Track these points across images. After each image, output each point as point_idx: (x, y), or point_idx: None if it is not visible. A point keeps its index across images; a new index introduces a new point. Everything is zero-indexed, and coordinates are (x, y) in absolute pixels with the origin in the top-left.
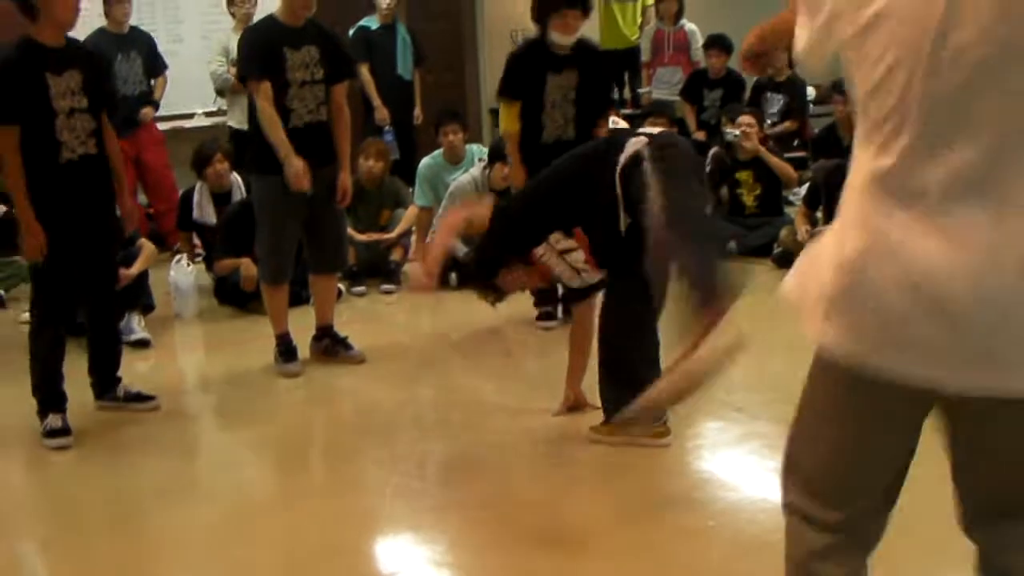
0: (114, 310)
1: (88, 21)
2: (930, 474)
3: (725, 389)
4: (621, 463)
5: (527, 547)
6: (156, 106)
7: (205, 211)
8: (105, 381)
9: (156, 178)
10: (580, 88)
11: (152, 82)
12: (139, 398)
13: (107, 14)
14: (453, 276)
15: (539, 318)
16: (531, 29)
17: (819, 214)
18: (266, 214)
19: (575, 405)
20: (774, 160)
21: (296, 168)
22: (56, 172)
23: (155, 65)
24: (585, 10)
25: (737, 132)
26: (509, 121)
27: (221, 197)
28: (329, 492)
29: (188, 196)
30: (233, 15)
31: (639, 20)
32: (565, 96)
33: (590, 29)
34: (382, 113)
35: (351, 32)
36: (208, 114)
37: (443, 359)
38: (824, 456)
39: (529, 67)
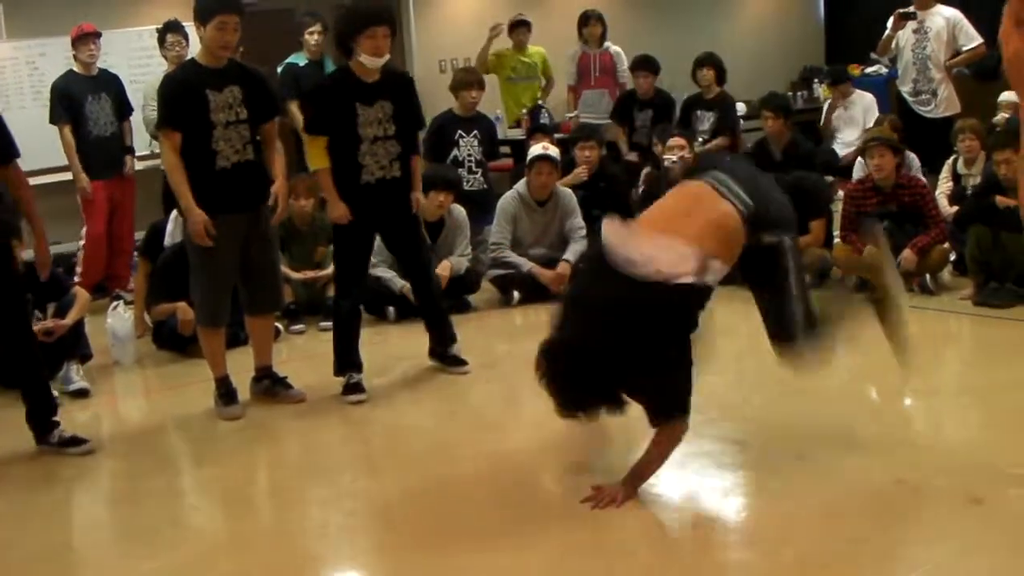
0: (33, 359)
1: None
2: None
3: None
4: (569, 491)
5: None
6: (132, 152)
7: (176, 240)
8: (41, 428)
9: (128, 222)
10: (397, 119)
11: (121, 124)
12: (74, 442)
13: (75, 56)
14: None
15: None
16: (461, 58)
17: None
18: (200, 258)
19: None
20: None
21: (196, 221)
22: None
23: (124, 107)
24: (392, 27)
25: (674, 159)
26: (317, 158)
27: None
28: (274, 534)
29: (160, 225)
30: (165, 58)
31: (535, 100)
32: (385, 131)
33: (492, 104)
34: None
35: (279, 70)
36: (142, 158)
37: (386, 396)
38: None
39: (336, 99)
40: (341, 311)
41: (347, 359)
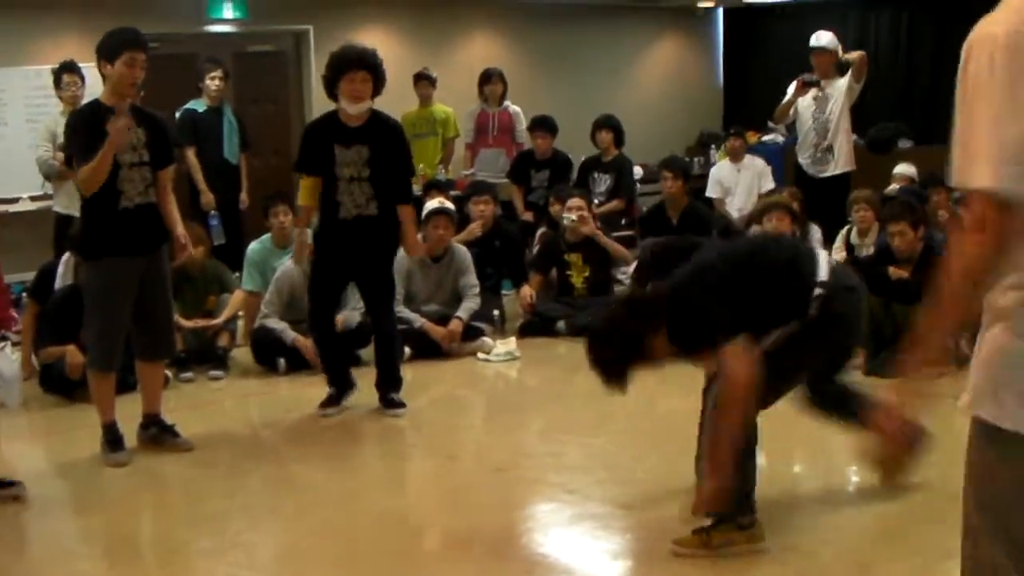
0: None
1: None
2: None
3: (555, 470)
4: (456, 551)
5: None
6: None
7: (67, 282)
8: None
9: None
10: (372, 164)
11: None
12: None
13: None
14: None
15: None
16: None
17: None
18: (97, 299)
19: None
20: (609, 243)
21: (118, 121)
22: None
23: None
24: (374, 73)
25: (574, 217)
26: (303, 196)
27: None
28: None
29: (51, 267)
30: (60, 98)
31: (439, 155)
32: (359, 173)
33: None
34: (207, 197)
35: (178, 115)
36: (34, 199)
37: (273, 446)
38: None
39: (318, 141)
40: (318, 343)
41: (334, 377)
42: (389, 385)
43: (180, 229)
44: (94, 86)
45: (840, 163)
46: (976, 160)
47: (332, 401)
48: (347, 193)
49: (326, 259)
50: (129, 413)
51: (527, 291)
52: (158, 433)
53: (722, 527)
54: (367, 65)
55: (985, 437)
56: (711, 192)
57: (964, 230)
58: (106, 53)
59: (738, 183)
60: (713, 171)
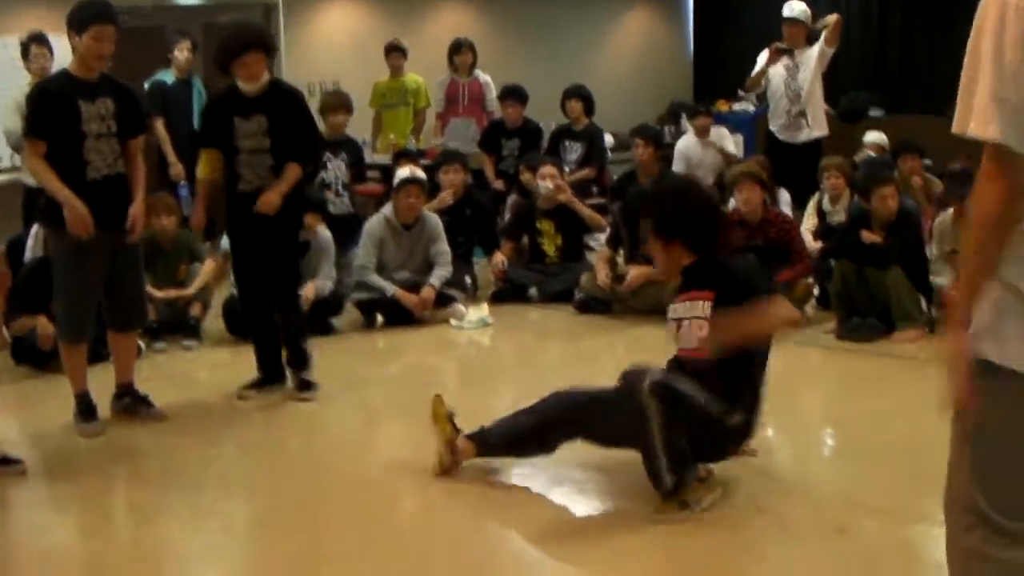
0: None
1: None
2: None
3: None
4: (430, 516)
5: None
6: None
7: (36, 254)
8: None
9: None
10: (272, 133)
11: None
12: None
13: None
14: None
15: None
16: (331, 81)
17: (620, 257)
18: (64, 270)
19: None
20: (584, 210)
21: (78, 211)
22: None
23: None
24: (267, 51)
25: (549, 185)
26: (203, 168)
27: None
28: (135, 555)
29: (20, 240)
30: (28, 70)
31: (411, 125)
32: (260, 144)
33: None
34: (177, 168)
35: (147, 86)
36: (2, 170)
37: (246, 415)
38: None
39: (219, 113)
40: (249, 325)
41: (264, 367)
42: (298, 366)
43: (136, 208)
44: (64, 57)
45: (813, 129)
46: (984, 113)
47: (255, 385)
48: (247, 166)
49: (235, 236)
50: (102, 384)
51: (499, 258)
52: (131, 403)
53: (686, 489)
54: (261, 45)
55: (980, 376)
56: (677, 166)
57: (980, 183)
58: (75, 24)
59: (704, 158)
60: (679, 145)
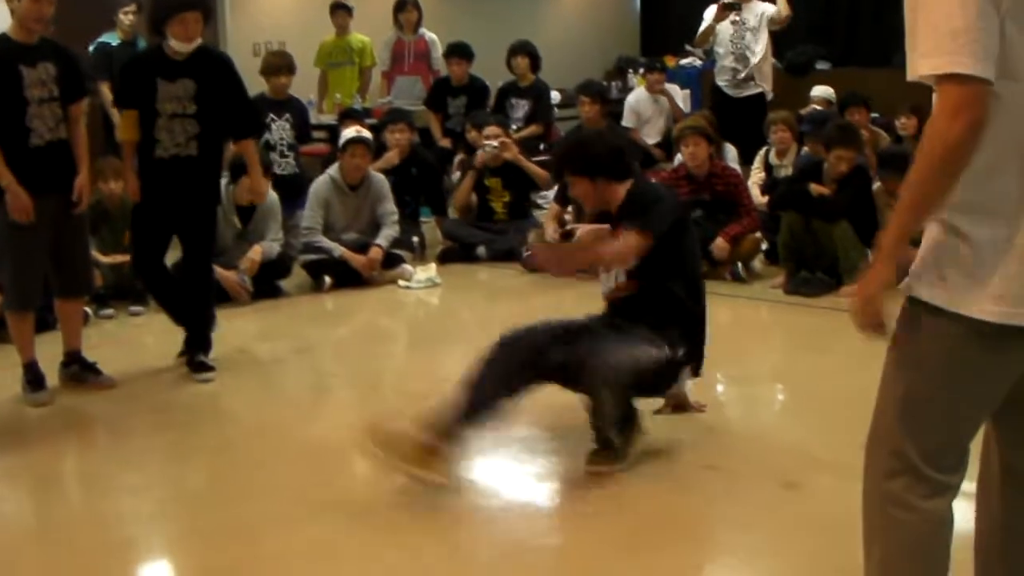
0: None
1: None
2: None
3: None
4: (380, 478)
5: (281, 570)
6: None
7: None
8: None
9: None
10: (199, 99)
11: None
12: None
13: None
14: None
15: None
16: (277, 41)
17: (568, 214)
18: (10, 238)
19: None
20: (529, 165)
21: (20, 200)
22: None
23: None
24: (205, 12)
25: (495, 144)
26: (123, 130)
27: None
28: (83, 522)
29: None
30: None
31: (357, 84)
32: (184, 108)
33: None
34: None
35: (91, 48)
36: None
37: (195, 380)
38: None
39: (141, 74)
40: (151, 292)
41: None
42: (197, 346)
43: (82, 178)
44: (3, 22)
45: (759, 83)
46: (937, 49)
47: (187, 344)
48: (166, 130)
49: (145, 200)
50: (49, 352)
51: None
52: (79, 371)
53: (617, 435)
54: (201, 5)
55: (924, 314)
56: (627, 121)
57: (939, 119)
58: None
59: (654, 113)
60: (629, 100)
